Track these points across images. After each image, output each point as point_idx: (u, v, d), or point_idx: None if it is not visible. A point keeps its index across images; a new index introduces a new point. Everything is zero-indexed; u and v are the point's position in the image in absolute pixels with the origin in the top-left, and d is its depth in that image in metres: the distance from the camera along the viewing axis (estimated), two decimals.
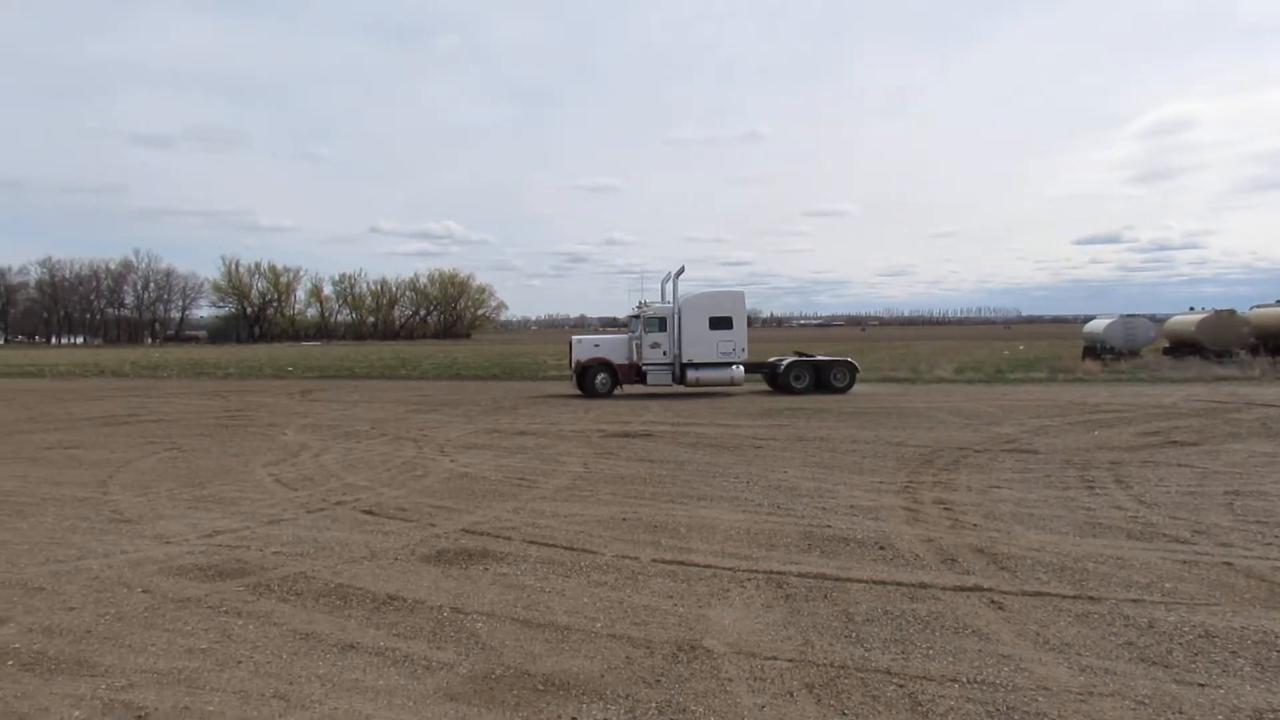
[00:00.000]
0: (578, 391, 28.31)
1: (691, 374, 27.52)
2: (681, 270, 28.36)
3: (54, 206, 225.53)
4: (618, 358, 27.95)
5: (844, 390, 27.46)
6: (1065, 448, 14.51)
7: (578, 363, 27.93)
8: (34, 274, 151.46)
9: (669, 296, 29.21)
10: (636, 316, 28.43)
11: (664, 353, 27.81)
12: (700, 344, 27.67)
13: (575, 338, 28.93)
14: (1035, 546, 8.14)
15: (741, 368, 27.70)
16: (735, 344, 27.76)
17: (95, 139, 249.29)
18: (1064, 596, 6.63)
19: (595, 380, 27.62)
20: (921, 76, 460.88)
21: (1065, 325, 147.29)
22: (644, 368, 27.73)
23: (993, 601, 6.53)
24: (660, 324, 27.83)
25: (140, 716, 4.73)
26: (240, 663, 5.50)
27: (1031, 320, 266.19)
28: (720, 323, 27.80)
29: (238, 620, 6.33)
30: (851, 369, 27.89)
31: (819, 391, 27.36)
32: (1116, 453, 13.92)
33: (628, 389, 28.54)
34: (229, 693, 5.04)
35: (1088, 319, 47.79)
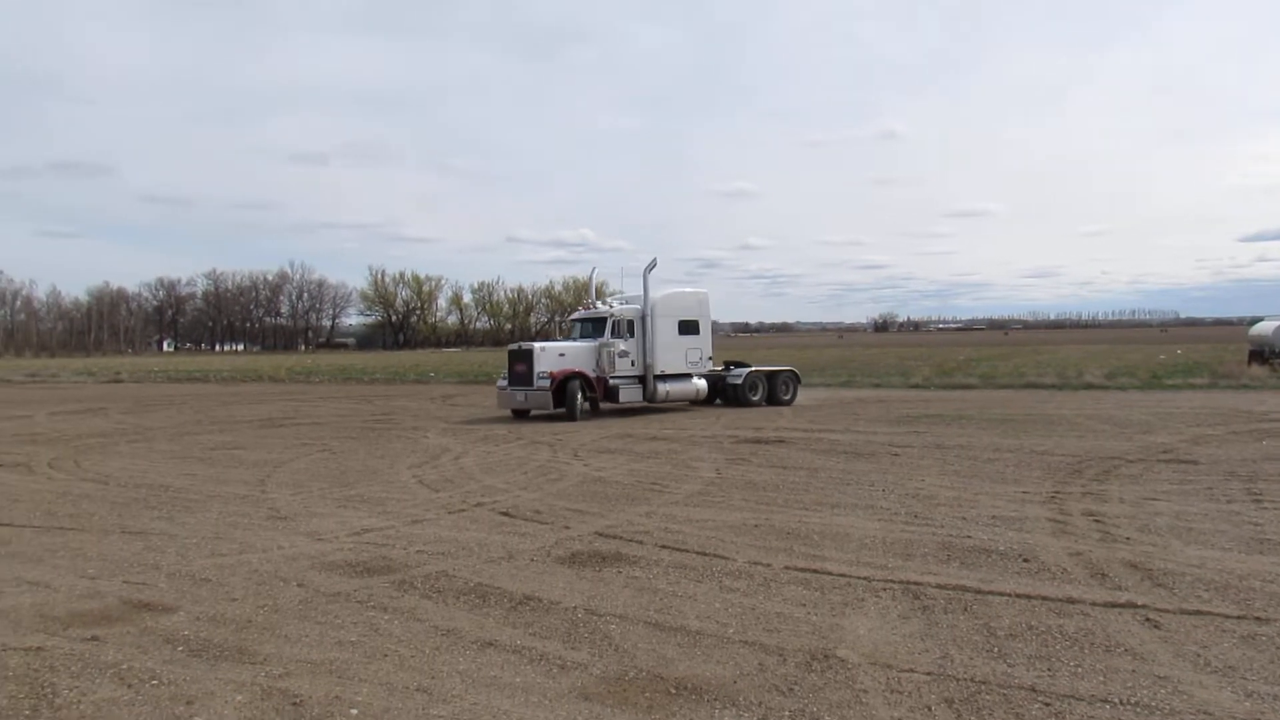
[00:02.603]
0: (510, 413, 23.33)
1: (662, 388, 24.01)
2: (653, 264, 24.32)
3: (219, 222, 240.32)
4: (589, 370, 23.24)
5: (789, 402, 25.82)
6: (1229, 458, 13.61)
7: (550, 375, 22.34)
8: (200, 285, 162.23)
9: (595, 297, 26.32)
10: (598, 319, 24.28)
11: (632, 363, 23.75)
12: (670, 352, 24.32)
13: (537, 345, 23.34)
14: (1195, 563, 7.66)
15: (704, 380, 24.98)
16: (702, 352, 25.10)
17: (255, 158, 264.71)
18: (1227, 616, 6.22)
19: (578, 397, 22.62)
20: (1070, 68, 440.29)
21: (1229, 328, 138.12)
22: (613, 381, 23.36)
23: (1148, 619, 6.18)
24: (629, 328, 23.92)
25: (296, 703, 5.00)
26: (386, 656, 5.74)
27: (1191, 323, 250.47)
28: (688, 327, 24.81)
29: (384, 615, 6.60)
30: (796, 379, 26.77)
31: (770, 404, 25.52)
32: None
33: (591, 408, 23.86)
34: (376, 684, 5.26)
35: (1254, 321, 44.76)
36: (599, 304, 25.92)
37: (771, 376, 26.17)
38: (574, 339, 24.51)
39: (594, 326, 24.27)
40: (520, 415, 23.17)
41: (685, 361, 24.68)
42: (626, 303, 25.05)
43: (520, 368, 22.85)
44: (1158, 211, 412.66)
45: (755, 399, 25.40)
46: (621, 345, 23.50)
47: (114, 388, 44.89)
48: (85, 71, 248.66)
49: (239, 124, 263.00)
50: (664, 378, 24.10)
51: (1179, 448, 14.92)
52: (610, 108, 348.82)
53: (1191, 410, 21.45)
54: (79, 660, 5.70)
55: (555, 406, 22.34)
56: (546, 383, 22.22)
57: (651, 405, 24.52)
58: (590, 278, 27.38)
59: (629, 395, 23.67)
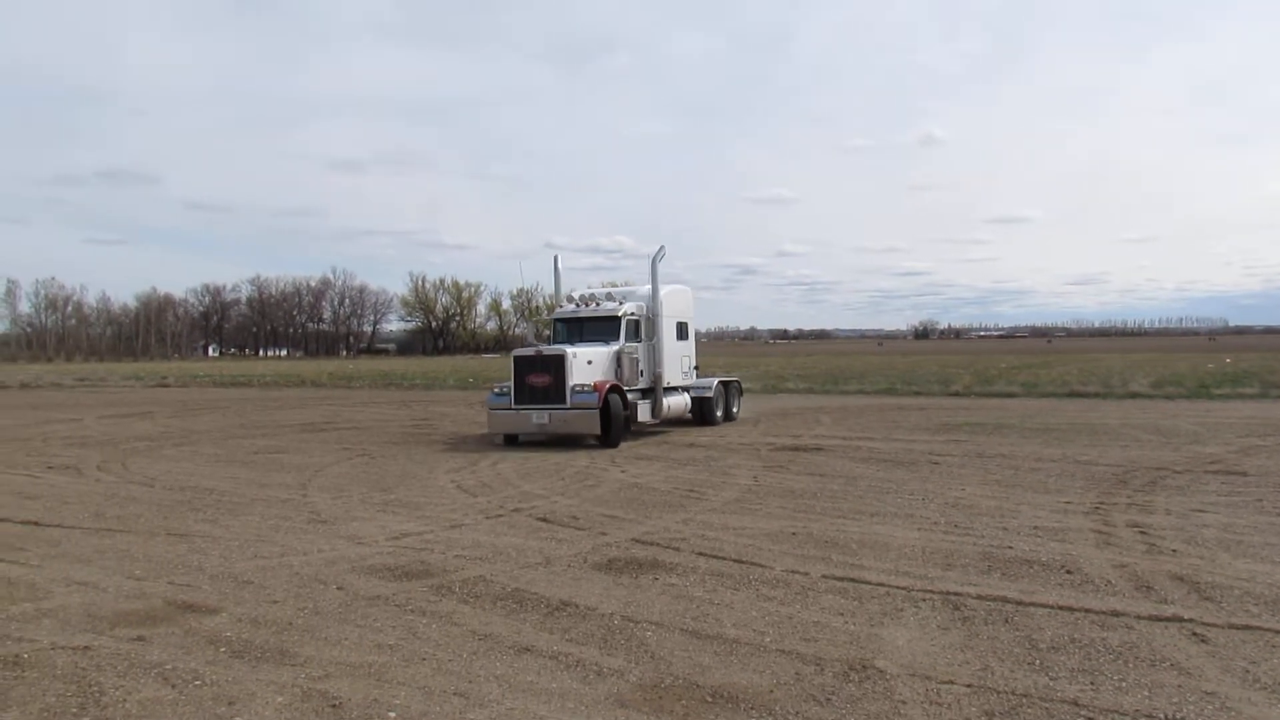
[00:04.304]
0: (501, 437, 18.57)
1: (664, 401, 19.73)
2: (661, 253, 19.93)
3: (261, 229, 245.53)
4: (618, 382, 18.41)
5: (736, 415, 23.25)
6: (1279, 470, 13.32)
7: (595, 389, 17.33)
8: (245, 291, 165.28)
9: (562, 292, 21.46)
10: (606, 319, 19.36)
11: (641, 372, 19.35)
12: (672, 359, 20.34)
13: (568, 349, 17.80)
14: (1244, 576, 7.50)
15: (688, 393, 21.27)
16: (690, 360, 21.75)
17: (296, 165, 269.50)
18: (1277, 631, 6.07)
19: (623, 416, 17.96)
20: (1114, 71, 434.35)
21: (1279, 336, 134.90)
22: (630, 395, 18.70)
23: (1194, 634, 6.05)
24: (638, 330, 19.61)
25: (335, 705, 5.05)
26: (424, 660, 5.78)
27: (1240, 331, 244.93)
28: (683, 331, 21.36)
29: (422, 619, 6.65)
30: (740, 390, 24.21)
31: (723, 419, 22.63)
32: None
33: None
34: (414, 688, 5.30)
35: None
36: (598, 299, 20.58)
37: (727, 387, 23.19)
38: (566, 344, 18.99)
39: (596, 328, 19.42)
40: (510, 441, 18.43)
41: (680, 371, 21.05)
42: (625, 299, 20.21)
43: (541, 380, 17.59)
44: (1203, 217, 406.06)
45: (719, 414, 22.23)
46: (634, 350, 19.16)
47: (160, 392, 45.71)
48: (133, 81, 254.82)
49: (281, 132, 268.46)
50: (669, 390, 20.20)
51: (1227, 458, 14.61)
52: (648, 114, 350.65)
53: (1241, 420, 21.00)
54: (125, 660, 5.80)
55: (601, 429, 17.45)
56: (591, 399, 17.20)
57: (655, 424, 20.53)
58: (554, 266, 21.87)
59: (644, 412, 19.31)
